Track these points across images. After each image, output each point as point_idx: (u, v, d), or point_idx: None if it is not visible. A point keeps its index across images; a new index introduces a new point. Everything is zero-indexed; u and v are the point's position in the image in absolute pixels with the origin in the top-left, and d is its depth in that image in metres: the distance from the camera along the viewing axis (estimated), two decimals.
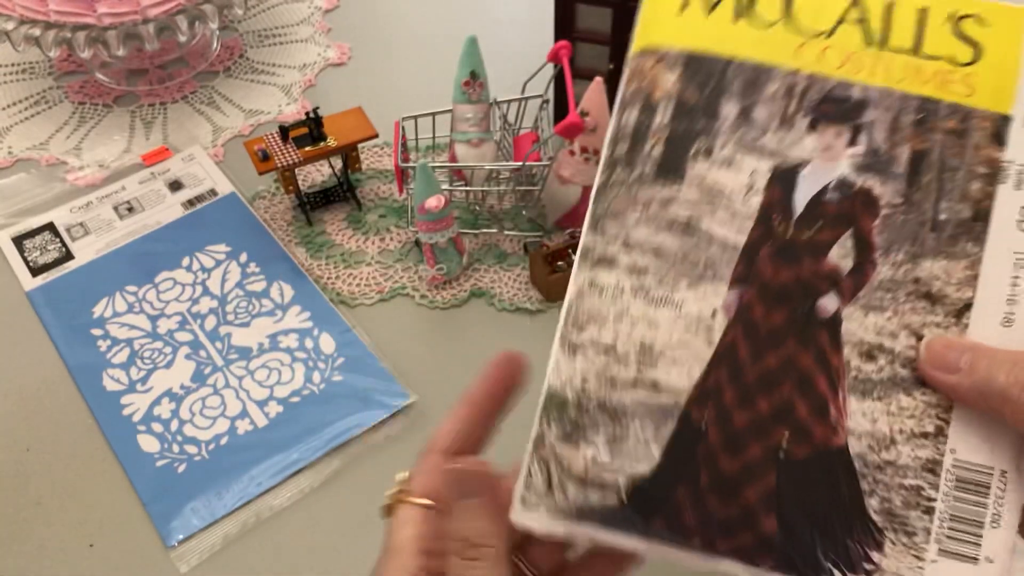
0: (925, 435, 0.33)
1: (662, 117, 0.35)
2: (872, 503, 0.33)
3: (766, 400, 0.34)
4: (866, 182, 0.34)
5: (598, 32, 0.78)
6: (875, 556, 0.33)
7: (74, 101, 0.92)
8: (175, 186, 0.81)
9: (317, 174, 0.82)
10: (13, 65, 0.96)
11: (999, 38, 0.35)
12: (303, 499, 0.61)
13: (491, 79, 0.73)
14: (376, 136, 0.76)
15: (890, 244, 0.34)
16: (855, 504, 0.33)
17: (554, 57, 0.72)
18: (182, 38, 0.84)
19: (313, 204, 0.79)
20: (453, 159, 0.74)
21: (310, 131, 0.75)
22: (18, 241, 0.77)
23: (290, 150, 0.75)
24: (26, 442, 0.64)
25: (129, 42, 0.82)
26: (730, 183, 0.35)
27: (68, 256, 0.76)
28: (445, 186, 0.74)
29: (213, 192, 0.80)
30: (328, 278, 0.74)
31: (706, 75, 0.35)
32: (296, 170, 0.77)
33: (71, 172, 0.83)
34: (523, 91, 0.76)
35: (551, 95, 0.78)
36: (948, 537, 0.33)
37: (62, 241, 0.77)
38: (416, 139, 0.77)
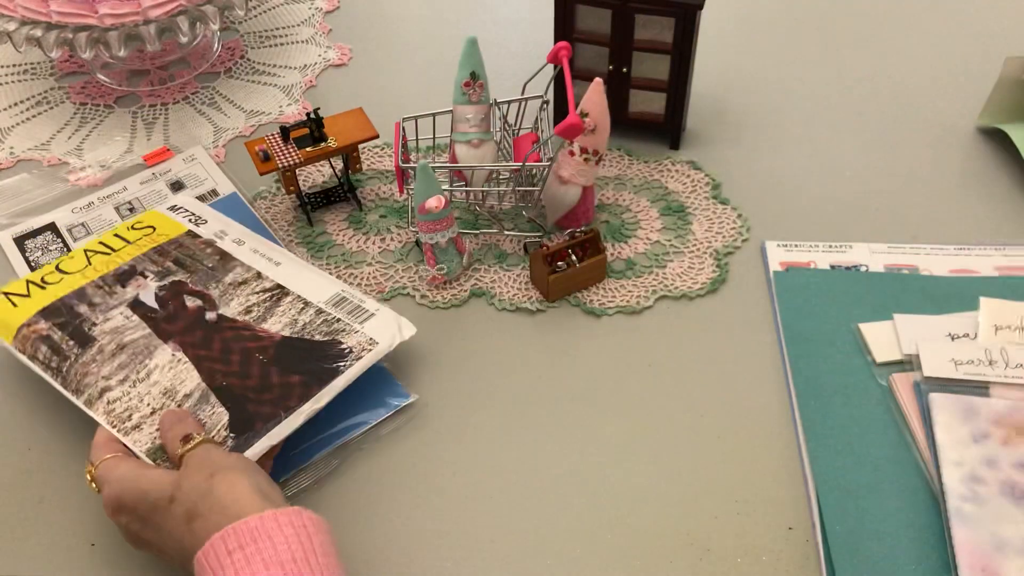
0: None
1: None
2: None
3: None
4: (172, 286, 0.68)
5: (598, 33, 0.78)
6: None
7: (75, 102, 0.92)
8: (176, 186, 0.82)
9: (318, 174, 0.82)
10: (15, 66, 0.96)
11: None
12: (303, 498, 0.61)
13: (491, 80, 0.73)
14: (377, 137, 0.77)
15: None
16: None
17: (554, 58, 0.72)
18: (183, 39, 0.85)
19: (314, 204, 0.79)
20: (453, 160, 0.75)
21: (311, 132, 0.75)
22: (20, 241, 0.77)
23: (291, 151, 0.75)
24: (28, 441, 0.64)
25: (130, 43, 0.82)
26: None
27: None
28: (445, 186, 0.74)
29: (214, 192, 0.81)
30: None
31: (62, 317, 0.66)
32: (297, 171, 0.77)
33: (73, 172, 0.84)
34: (523, 92, 0.76)
35: (551, 96, 0.79)
36: None
37: (64, 241, 0.77)
38: (416, 140, 0.78)
